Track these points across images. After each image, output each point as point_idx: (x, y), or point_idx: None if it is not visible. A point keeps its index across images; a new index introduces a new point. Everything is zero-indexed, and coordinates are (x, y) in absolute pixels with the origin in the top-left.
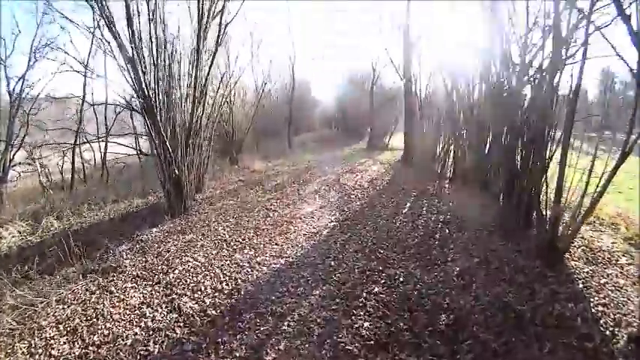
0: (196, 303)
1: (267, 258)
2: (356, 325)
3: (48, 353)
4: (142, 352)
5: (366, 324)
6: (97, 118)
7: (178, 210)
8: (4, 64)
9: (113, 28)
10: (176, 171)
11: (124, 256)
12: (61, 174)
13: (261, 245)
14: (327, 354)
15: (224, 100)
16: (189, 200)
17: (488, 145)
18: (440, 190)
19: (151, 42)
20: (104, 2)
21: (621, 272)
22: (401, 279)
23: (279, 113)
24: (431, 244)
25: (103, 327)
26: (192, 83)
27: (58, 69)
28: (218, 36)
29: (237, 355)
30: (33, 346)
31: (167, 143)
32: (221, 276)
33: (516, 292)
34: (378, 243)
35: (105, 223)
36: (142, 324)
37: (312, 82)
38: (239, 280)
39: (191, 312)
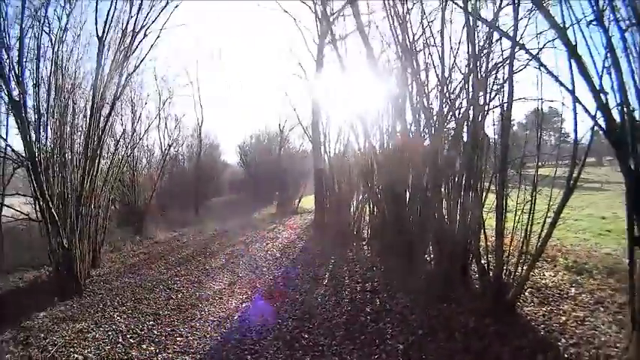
0: None
1: (170, 355)
2: None
3: None
4: None
5: None
6: None
7: (70, 289)
8: None
9: (2, 59)
10: (64, 243)
11: (6, 350)
12: None
13: (163, 337)
14: None
15: (124, 161)
16: (83, 278)
17: (407, 199)
18: (359, 253)
19: (39, 85)
20: None
21: (576, 304)
22: None
23: (186, 178)
24: (363, 320)
25: None
26: (84, 140)
27: None
28: (117, 88)
29: None
30: None
31: (52, 210)
32: None
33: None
34: (301, 326)
35: None
36: None
37: (222, 145)
38: None
39: None
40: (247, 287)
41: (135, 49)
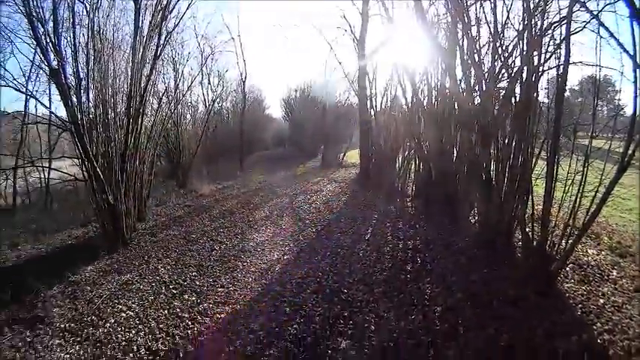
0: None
1: (211, 305)
2: None
3: None
4: None
5: None
6: (40, 138)
7: (116, 244)
8: None
9: (38, 32)
10: (110, 199)
11: (53, 303)
12: (4, 199)
13: (204, 288)
14: None
15: (168, 118)
16: (129, 232)
17: (454, 156)
18: (403, 210)
19: (77, 52)
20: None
21: (615, 289)
22: (372, 327)
23: (230, 132)
24: (402, 278)
25: None
26: (126, 100)
27: None
28: (157, 47)
29: None
30: None
31: (97, 169)
32: (157, 331)
33: (511, 330)
34: (340, 280)
35: (41, 259)
36: None
37: (266, 99)
38: (177, 338)
39: None
40: (290, 240)
41: (172, 9)
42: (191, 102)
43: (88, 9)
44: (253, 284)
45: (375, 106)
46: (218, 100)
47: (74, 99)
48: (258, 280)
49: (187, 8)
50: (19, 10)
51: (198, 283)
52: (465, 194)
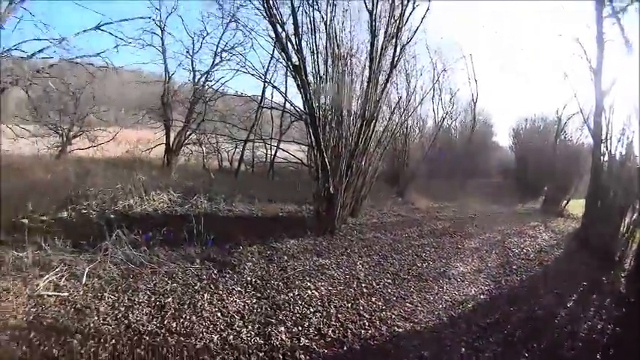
0: (290, 339)
1: (393, 316)
2: None
3: (126, 315)
4: None
5: None
6: (272, 121)
7: (325, 228)
8: (191, 58)
9: (279, 33)
10: (331, 189)
11: (249, 258)
12: (230, 163)
13: (393, 298)
14: None
15: (399, 127)
16: (340, 222)
17: None
18: (615, 286)
19: (317, 54)
20: (272, 6)
21: None
22: None
23: (455, 153)
24: None
25: (188, 318)
26: (362, 104)
27: (237, 72)
28: (393, 58)
29: None
30: (119, 301)
31: (326, 160)
32: (333, 319)
33: None
34: (527, 341)
35: (249, 219)
36: (224, 334)
37: (494, 125)
38: (349, 333)
39: (279, 345)
40: (491, 280)
41: (406, 21)
42: (420, 115)
43: (324, 18)
44: (441, 312)
45: (610, 151)
46: (447, 117)
47: (312, 94)
48: (448, 310)
49: (420, 23)
50: (258, 13)
51: (389, 290)
52: None
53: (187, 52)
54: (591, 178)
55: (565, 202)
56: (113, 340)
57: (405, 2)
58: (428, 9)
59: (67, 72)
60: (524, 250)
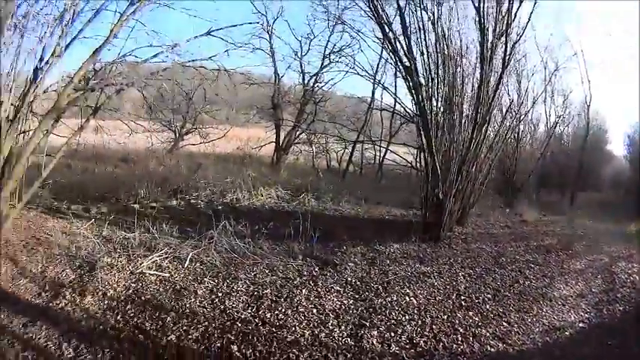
0: (381, 344)
1: (487, 334)
2: None
3: (223, 300)
4: (290, 356)
5: None
6: (382, 123)
7: (430, 235)
8: (300, 61)
9: (389, 34)
10: (440, 194)
11: (351, 259)
12: (338, 163)
13: (491, 315)
14: None
15: (511, 132)
16: (445, 230)
17: None
18: None
19: (429, 55)
20: (378, 7)
21: None
22: None
23: (567, 161)
24: None
25: (282, 311)
26: (475, 106)
27: (346, 73)
28: (504, 57)
29: None
30: (218, 286)
31: (437, 164)
32: (427, 328)
33: None
34: None
35: (355, 220)
36: (316, 331)
37: (610, 130)
38: (440, 346)
39: (368, 349)
40: (593, 307)
41: (514, 17)
42: (531, 120)
43: (432, 18)
44: (537, 336)
45: None
46: (560, 122)
47: (424, 95)
48: (544, 334)
49: (528, 21)
50: (364, 15)
51: (487, 306)
52: None
53: (296, 54)
54: None
55: None
56: (206, 322)
57: None
58: (536, 2)
59: (180, 74)
60: (632, 278)
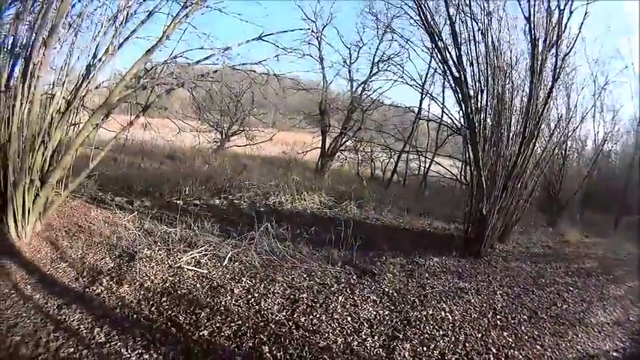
0: (412, 357)
1: (520, 357)
2: None
3: (258, 301)
4: None
5: None
6: (429, 134)
7: (470, 251)
8: (349, 68)
9: (438, 43)
10: (484, 210)
11: (390, 270)
12: (382, 172)
13: (525, 337)
14: None
15: (558, 148)
16: (487, 246)
17: None
18: None
19: (478, 66)
20: (428, 16)
21: None
22: None
23: (615, 180)
24: None
25: (317, 316)
26: (523, 120)
27: (394, 82)
28: (555, 70)
29: None
30: (254, 286)
31: (482, 179)
32: (460, 346)
33: None
34: None
35: (396, 230)
36: (349, 339)
37: None
38: None
39: None
40: (629, 336)
41: (564, 28)
42: (579, 136)
43: (481, 28)
44: None
45: None
46: (609, 139)
47: (473, 108)
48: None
49: (579, 32)
50: (413, 24)
51: (523, 328)
52: None
53: (344, 61)
54: None
55: None
56: (239, 321)
57: (562, 6)
58: (586, 13)
59: (230, 77)
60: None
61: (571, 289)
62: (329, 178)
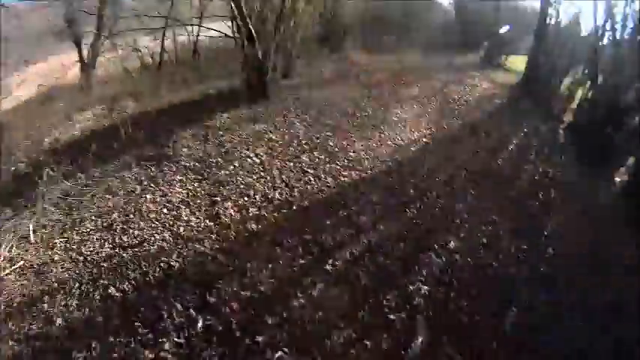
0: (239, 211)
1: (338, 167)
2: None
3: (80, 251)
4: (161, 265)
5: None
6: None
7: (258, 95)
8: None
9: None
10: (259, 54)
11: (183, 144)
12: (151, 57)
13: (336, 149)
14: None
15: None
16: (272, 86)
17: None
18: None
19: None
20: None
21: None
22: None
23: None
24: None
25: (136, 226)
26: None
27: None
28: None
29: (262, 289)
30: (70, 240)
31: (250, 26)
32: (277, 181)
33: None
34: (479, 174)
35: (178, 107)
36: (174, 228)
37: None
38: (295, 191)
39: (229, 222)
40: (433, 123)
41: None
42: None
43: None
44: (386, 157)
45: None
46: None
47: None
48: (392, 154)
49: None
50: None
51: (331, 143)
52: None
53: None
54: (537, 34)
55: (505, 56)
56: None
57: None
58: None
59: None
60: (465, 97)
61: (367, 100)
62: (97, 89)
